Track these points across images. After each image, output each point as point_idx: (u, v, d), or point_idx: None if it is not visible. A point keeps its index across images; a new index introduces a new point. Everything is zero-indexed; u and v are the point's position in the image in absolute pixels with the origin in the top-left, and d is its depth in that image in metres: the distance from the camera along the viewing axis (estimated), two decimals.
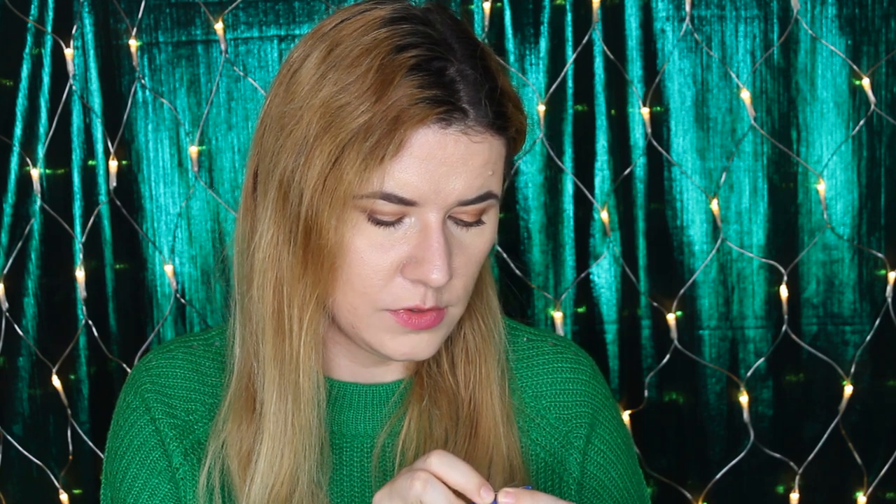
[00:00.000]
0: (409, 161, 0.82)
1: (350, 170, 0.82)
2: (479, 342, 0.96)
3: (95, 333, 1.70)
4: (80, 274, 1.69)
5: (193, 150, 1.66)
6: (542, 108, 1.64)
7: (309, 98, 0.84)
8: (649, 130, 1.63)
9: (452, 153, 0.83)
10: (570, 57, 1.64)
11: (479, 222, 0.88)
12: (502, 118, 0.85)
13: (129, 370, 1.70)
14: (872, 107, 1.59)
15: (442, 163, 0.83)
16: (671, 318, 1.65)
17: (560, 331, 1.67)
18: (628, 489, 1.02)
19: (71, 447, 1.71)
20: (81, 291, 1.69)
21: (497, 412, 0.95)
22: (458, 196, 0.84)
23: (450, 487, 0.77)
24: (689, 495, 1.67)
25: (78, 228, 1.69)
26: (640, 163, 1.65)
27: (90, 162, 1.69)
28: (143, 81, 1.66)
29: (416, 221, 0.85)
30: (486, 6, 1.63)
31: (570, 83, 1.65)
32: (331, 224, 0.84)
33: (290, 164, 0.85)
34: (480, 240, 0.89)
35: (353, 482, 0.96)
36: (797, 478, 1.66)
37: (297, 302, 0.88)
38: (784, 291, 1.63)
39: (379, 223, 0.85)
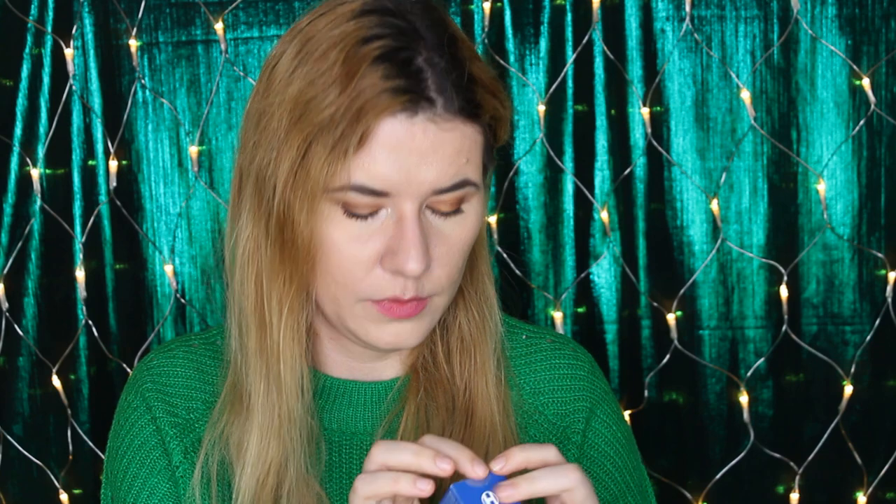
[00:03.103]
0: (378, 152, 0.82)
1: (317, 163, 0.82)
2: (473, 330, 0.97)
3: (95, 333, 1.70)
4: (80, 274, 1.69)
5: (193, 150, 1.66)
6: (542, 108, 1.64)
7: (281, 93, 0.85)
8: (649, 130, 1.63)
9: (422, 142, 0.83)
10: (570, 57, 1.64)
11: (458, 211, 0.88)
12: (472, 105, 0.85)
13: (129, 370, 1.70)
14: (872, 107, 1.59)
15: (411, 152, 0.83)
16: (671, 318, 1.65)
17: (560, 331, 1.66)
18: (627, 483, 1.02)
19: (71, 447, 1.71)
20: (81, 291, 1.69)
21: (493, 400, 0.95)
22: (432, 185, 0.84)
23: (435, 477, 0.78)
24: (689, 495, 1.67)
25: (78, 228, 1.69)
26: (640, 163, 1.65)
27: (90, 162, 1.69)
28: (143, 81, 1.66)
29: (392, 212, 0.85)
30: (486, 6, 1.63)
31: (570, 83, 1.65)
32: (301, 218, 0.85)
33: (265, 159, 0.86)
34: (461, 228, 0.88)
35: (353, 479, 0.96)
36: (797, 478, 1.66)
37: (275, 295, 0.89)
38: (784, 291, 1.63)
39: (354, 216, 0.85)
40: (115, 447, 1.01)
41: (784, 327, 1.63)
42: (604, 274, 1.68)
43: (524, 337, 1.03)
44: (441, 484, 0.82)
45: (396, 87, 0.81)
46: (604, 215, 1.66)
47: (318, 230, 0.86)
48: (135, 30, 1.65)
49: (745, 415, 1.65)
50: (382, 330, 0.90)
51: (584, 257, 1.68)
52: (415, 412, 0.96)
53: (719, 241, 1.64)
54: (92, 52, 1.67)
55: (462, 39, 0.86)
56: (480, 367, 0.96)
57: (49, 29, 1.65)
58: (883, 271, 1.63)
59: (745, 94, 1.61)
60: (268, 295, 0.90)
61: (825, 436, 1.65)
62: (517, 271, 1.65)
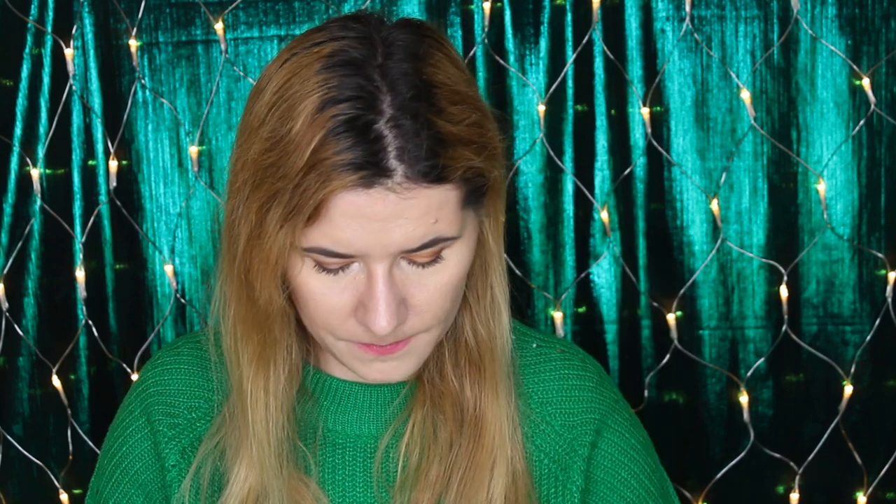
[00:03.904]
0: (338, 219, 0.80)
1: (273, 232, 0.82)
2: (482, 345, 0.95)
3: (95, 333, 1.70)
4: (80, 274, 1.69)
5: (193, 150, 1.66)
6: (542, 108, 1.64)
7: (247, 150, 0.84)
8: (649, 130, 1.63)
9: (381, 210, 0.80)
10: (570, 57, 1.64)
11: (437, 260, 0.86)
12: (436, 169, 0.80)
13: (129, 370, 1.70)
14: (872, 107, 1.60)
15: (372, 219, 0.80)
16: (671, 318, 1.65)
17: (560, 331, 1.67)
18: (647, 488, 1.02)
19: (71, 447, 1.71)
20: (81, 291, 1.69)
21: (502, 415, 0.94)
22: (399, 246, 0.82)
23: None
24: (689, 495, 1.67)
25: (78, 228, 1.69)
26: (640, 163, 1.65)
27: (90, 162, 1.69)
28: (143, 81, 1.66)
29: (363, 267, 0.84)
30: (486, 6, 1.63)
31: (570, 83, 1.65)
32: (258, 283, 0.85)
33: (232, 215, 0.86)
34: (441, 275, 0.86)
35: (357, 482, 0.97)
36: (797, 478, 1.66)
37: (249, 347, 0.91)
38: (784, 291, 1.63)
39: (324, 270, 0.84)
40: (109, 446, 1.03)
41: (784, 327, 1.64)
42: (604, 274, 1.68)
43: (534, 346, 1.03)
44: None
45: (352, 161, 0.78)
46: (604, 215, 1.66)
47: (293, 277, 0.86)
48: (135, 30, 1.65)
49: (745, 415, 1.65)
50: (368, 366, 0.90)
51: (584, 257, 1.68)
52: (421, 421, 0.95)
53: (719, 241, 1.64)
54: (92, 52, 1.67)
55: (439, 84, 0.82)
56: (490, 380, 0.95)
57: (49, 29, 1.65)
58: (883, 271, 1.63)
59: (745, 94, 1.61)
60: (243, 342, 0.91)
61: (825, 436, 1.65)
62: (517, 271, 1.66)
